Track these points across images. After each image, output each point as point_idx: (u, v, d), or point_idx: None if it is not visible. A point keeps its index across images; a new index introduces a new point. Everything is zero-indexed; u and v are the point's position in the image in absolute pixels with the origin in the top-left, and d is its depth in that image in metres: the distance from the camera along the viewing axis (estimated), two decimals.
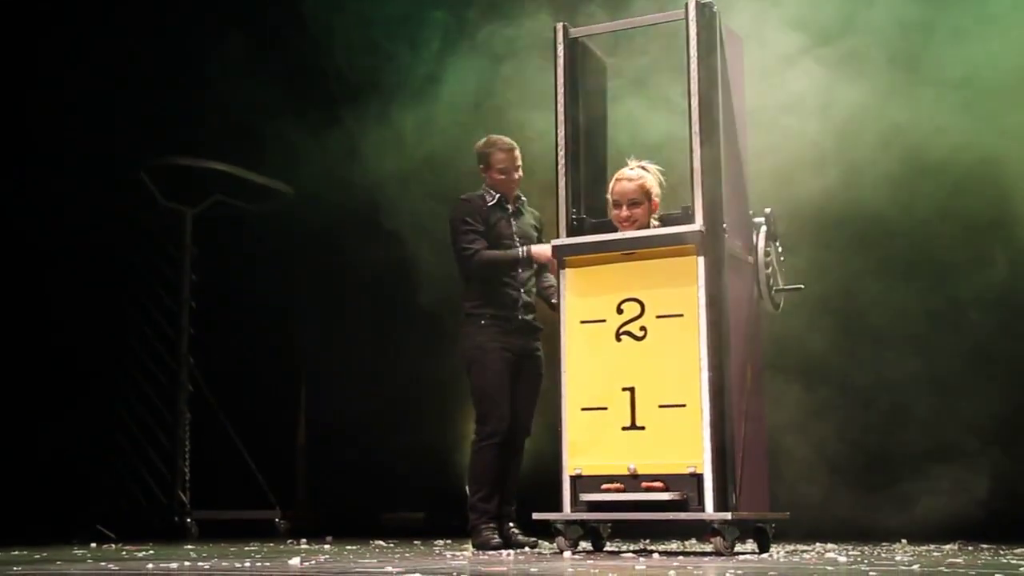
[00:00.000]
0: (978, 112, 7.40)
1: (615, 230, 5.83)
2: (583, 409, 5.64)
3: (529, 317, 6.55)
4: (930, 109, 7.46)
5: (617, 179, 5.92)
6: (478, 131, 6.88)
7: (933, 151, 7.43)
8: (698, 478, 5.36)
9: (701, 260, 5.50)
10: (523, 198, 6.68)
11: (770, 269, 5.91)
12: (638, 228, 5.80)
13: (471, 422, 6.56)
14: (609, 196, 5.93)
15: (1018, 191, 7.39)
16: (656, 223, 5.84)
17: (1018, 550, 6.10)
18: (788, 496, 6.69)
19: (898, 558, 5.33)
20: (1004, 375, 7.67)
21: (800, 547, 6.30)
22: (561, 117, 5.93)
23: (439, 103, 8.94)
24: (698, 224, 5.51)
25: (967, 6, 7.55)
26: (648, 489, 5.43)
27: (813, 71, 7.48)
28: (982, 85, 7.45)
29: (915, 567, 4.65)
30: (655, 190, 5.89)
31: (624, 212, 5.84)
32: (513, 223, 6.57)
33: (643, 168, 5.95)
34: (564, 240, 5.82)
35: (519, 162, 6.59)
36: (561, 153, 5.90)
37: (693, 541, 6.89)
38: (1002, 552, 5.98)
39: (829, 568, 4.54)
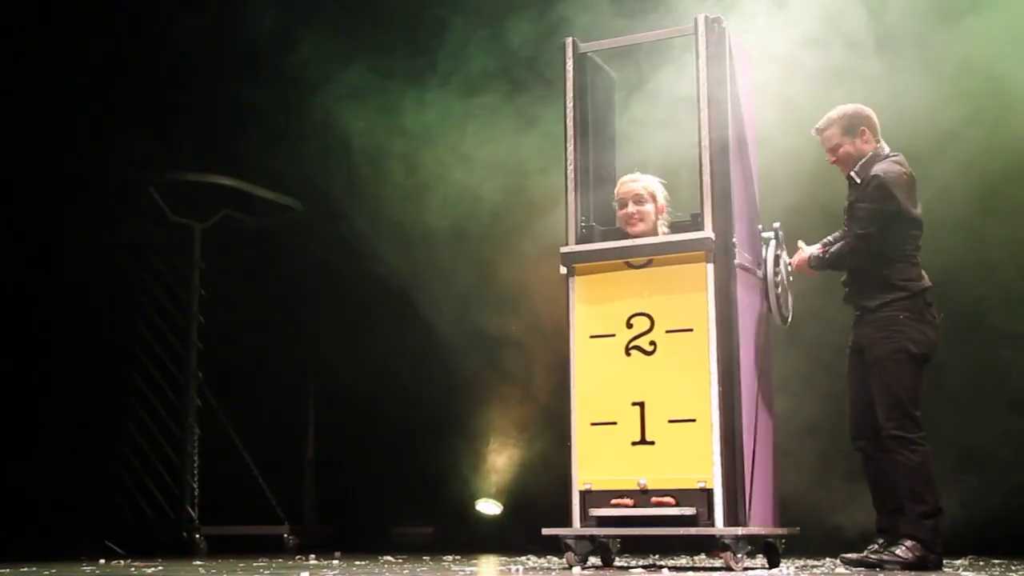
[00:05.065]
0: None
1: (625, 239, 5.82)
2: (593, 424, 5.62)
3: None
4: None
5: (621, 183, 5.94)
6: (484, 148, 6.88)
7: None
8: (708, 493, 5.34)
9: (711, 268, 5.50)
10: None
11: (779, 284, 5.90)
12: (646, 226, 5.81)
13: (478, 438, 6.53)
14: (615, 202, 5.93)
15: None
16: (665, 230, 5.83)
17: None
18: (799, 511, 6.68)
19: (910, 573, 5.33)
20: (1016, 390, 7.66)
21: (811, 562, 6.29)
22: (571, 132, 5.93)
23: (448, 120, 8.98)
24: (707, 232, 5.51)
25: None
26: (658, 504, 5.41)
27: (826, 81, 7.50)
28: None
29: None
30: (659, 193, 5.89)
31: (631, 208, 5.83)
32: None
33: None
34: (573, 248, 5.81)
35: None
36: (570, 161, 5.89)
37: (703, 556, 6.88)
38: (1013, 567, 5.97)
39: None
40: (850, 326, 5.98)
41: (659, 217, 5.87)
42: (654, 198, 5.86)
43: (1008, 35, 7.47)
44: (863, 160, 5.88)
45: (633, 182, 5.89)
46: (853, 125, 5.92)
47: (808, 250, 6.05)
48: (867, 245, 5.79)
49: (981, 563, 6.42)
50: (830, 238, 6.10)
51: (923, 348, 5.73)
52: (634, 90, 7.22)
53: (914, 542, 5.55)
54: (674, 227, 5.82)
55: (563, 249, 5.82)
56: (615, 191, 5.94)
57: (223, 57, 9.40)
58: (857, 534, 6.53)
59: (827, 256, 5.97)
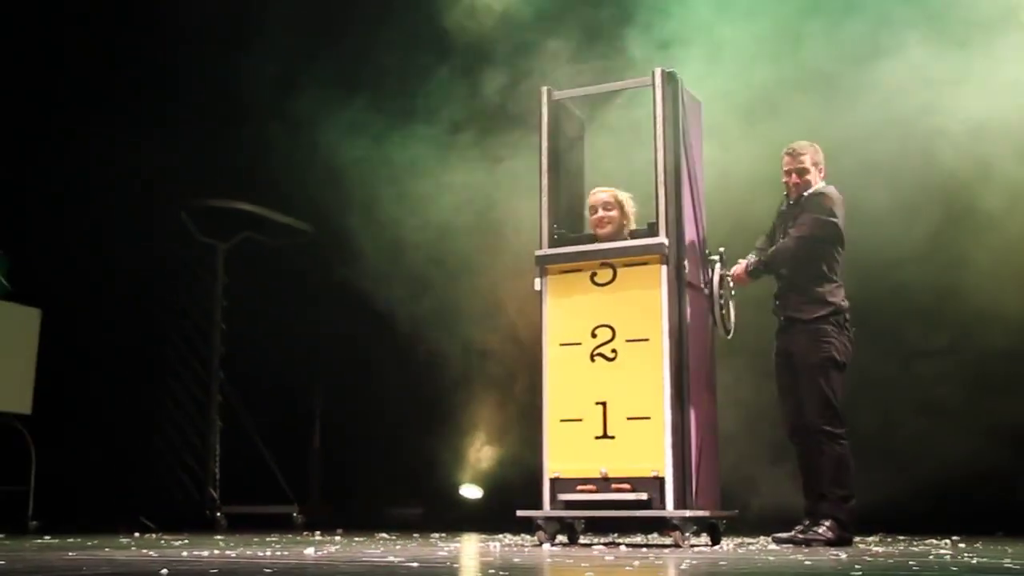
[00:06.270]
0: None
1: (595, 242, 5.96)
2: (561, 420, 5.73)
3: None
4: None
5: (592, 193, 6.10)
6: (492, 180, 6.89)
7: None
8: (660, 481, 5.45)
9: (664, 269, 5.63)
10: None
11: (723, 300, 6.04)
12: (613, 229, 5.93)
13: (463, 432, 6.55)
14: (587, 211, 6.08)
15: None
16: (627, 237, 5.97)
17: (929, 540, 6.23)
18: (738, 496, 6.79)
19: (831, 549, 5.46)
20: (926, 397, 7.78)
21: (747, 540, 6.39)
22: (545, 166, 6.05)
23: (456, 151, 9.08)
24: (662, 238, 5.66)
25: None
26: (617, 490, 5.52)
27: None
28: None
29: (842, 555, 4.79)
30: (627, 205, 6.03)
31: (600, 213, 5.98)
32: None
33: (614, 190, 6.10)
34: (546, 251, 5.94)
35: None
36: (544, 191, 6.02)
37: (655, 535, 6.95)
38: (915, 543, 6.10)
39: (770, 558, 4.68)
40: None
41: (626, 224, 6.00)
42: (621, 206, 6.01)
43: (914, 74, 7.61)
44: (813, 188, 6.11)
45: (603, 192, 6.05)
46: (820, 159, 6.18)
47: (743, 262, 6.19)
48: (802, 249, 5.98)
49: (889, 539, 6.56)
50: (758, 244, 6.26)
51: (844, 357, 5.98)
52: (598, 124, 7.34)
53: (833, 522, 5.78)
54: (633, 235, 5.95)
55: (537, 252, 5.95)
56: (587, 202, 6.09)
57: (245, 100, 9.48)
58: (787, 515, 6.64)
59: (764, 259, 6.10)
